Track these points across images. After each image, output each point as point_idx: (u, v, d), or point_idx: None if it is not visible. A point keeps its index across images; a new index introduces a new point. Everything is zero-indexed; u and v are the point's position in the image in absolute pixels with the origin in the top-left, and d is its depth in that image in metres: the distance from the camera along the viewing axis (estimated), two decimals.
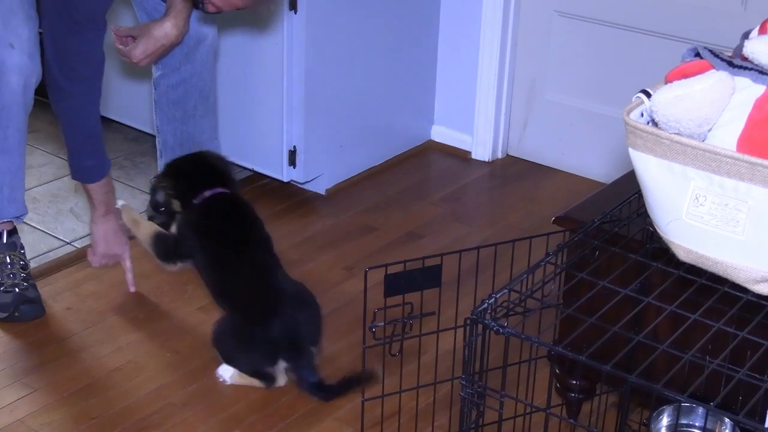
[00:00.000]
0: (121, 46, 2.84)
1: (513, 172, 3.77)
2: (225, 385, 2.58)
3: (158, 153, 3.19)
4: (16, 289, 2.82)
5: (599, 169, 3.61)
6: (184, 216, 2.73)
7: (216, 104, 3.19)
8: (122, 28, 2.87)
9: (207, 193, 2.70)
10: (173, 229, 2.77)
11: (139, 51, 2.81)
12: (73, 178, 2.91)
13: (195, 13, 2.92)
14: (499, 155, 3.86)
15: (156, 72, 3.06)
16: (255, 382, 2.58)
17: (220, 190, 2.71)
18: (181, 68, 3.01)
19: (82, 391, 2.57)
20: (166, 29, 2.81)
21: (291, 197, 3.53)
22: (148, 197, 3.32)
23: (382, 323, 1.99)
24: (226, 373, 2.59)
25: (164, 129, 3.15)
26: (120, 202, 2.95)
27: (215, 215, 2.70)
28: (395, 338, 1.99)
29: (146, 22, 2.89)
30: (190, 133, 3.14)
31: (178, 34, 2.84)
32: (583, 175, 3.67)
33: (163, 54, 2.88)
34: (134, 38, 2.82)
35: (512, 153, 3.87)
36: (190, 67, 3.02)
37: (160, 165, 3.19)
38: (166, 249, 2.77)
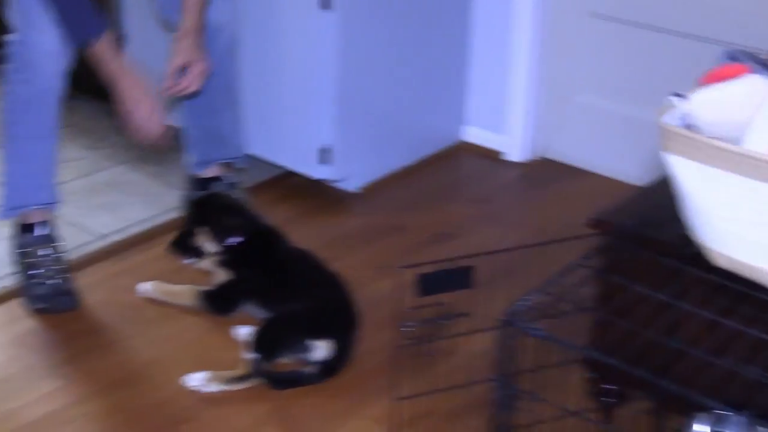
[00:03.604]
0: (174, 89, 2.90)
1: (545, 174, 3.77)
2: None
3: (185, 148, 3.22)
4: (52, 281, 2.85)
5: (633, 172, 3.60)
6: (235, 255, 2.83)
7: (238, 97, 3.22)
8: (166, 85, 2.91)
9: (237, 236, 2.84)
10: (213, 270, 2.86)
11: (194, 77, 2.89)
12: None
13: (213, 3, 2.95)
14: (532, 156, 3.86)
15: None
16: (229, 386, 2.57)
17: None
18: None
19: (116, 383, 2.59)
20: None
21: (323, 196, 3.55)
22: (180, 193, 3.36)
23: (414, 323, 2.00)
24: (195, 380, 2.57)
25: (189, 123, 3.18)
26: (145, 287, 2.93)
27: (266, 243, 2.86)
28: (427, 339, 1.99)
29: (174, 54, 2.92)
30: (214, 126, 3.17)
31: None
32: (617, 178, 3.66)
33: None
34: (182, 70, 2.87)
35: (544, 155, 3.87)
36: (211, 58, 3.05)
37: (187, 160, 3.22)
38: (224, 299, 2.83)
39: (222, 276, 2.84)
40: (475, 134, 3.93)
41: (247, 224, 2.86)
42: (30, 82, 2.77)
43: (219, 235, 2.82)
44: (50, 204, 2.95)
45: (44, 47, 2.73)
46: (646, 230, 1.98)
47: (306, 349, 2.59)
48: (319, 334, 2.59)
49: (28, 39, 2.73)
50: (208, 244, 2.84)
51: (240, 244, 2.82)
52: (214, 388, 2.56)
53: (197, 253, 2.87)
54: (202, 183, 3.25)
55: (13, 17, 2.75)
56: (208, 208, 2.90)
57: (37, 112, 2.81)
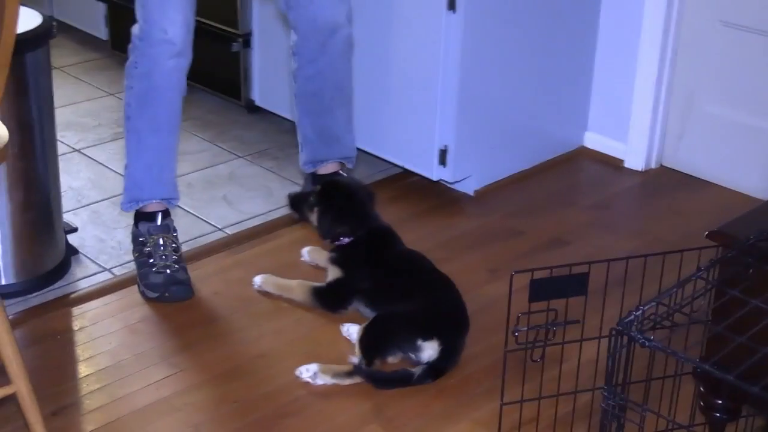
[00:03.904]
0: None
1: (665, 183, 3.70)
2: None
3: (299, 146, 3.24)
4: (168, 271, 2.90)
5: (756, 185, 3.51)
6: (346, 254, 2.84)
7: (351, 96, 3.22)
8: None
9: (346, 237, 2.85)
10: (326, 266, 2.89)
11: None
12: None
13: (329, 3, 2.95)
14: (653, 165, 3.79)
15: (294, 64, 3.12)
16: (337, 380, 2.58)
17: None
18: (317, 60, 3.06)
19: (225, 374, 2.62)
20: None
21: (439, 196, 3.54)
22: (298, 188, 3.39)
23: (525, 328, 1.98)
24: (305, 372, 2.58)
25: (303, 122, 3.21)
26: (258, 279, 2.95)
27: (378, 244, 2.86)
28: (537, 344, 1.97)
29: None
30: (327, 125, 3.19)
31: None
32: (739, 190, 3.57)
33: None
34: None
35: (666, 163, 3.79)
36: (325, 59, 3.06)
37: (301, 158, 3.25)
38: (334, 297, 2.84)
39: (334, 273, 2.85)
40: (595, 140, 3.88)
41: (359, 225, 2.86)
42: (150, 77, 2.82)
43: (329, 230, 2.84)
44: (169, 198, 2.99)
45: (165, 44, 2.77)
46: (767, 245, 1.92)
47: (414, 349, 2.58)
48: (428, 335, 2.58)
49: (150, 33, 2.78)
50: (316, 221, 2.88)
51: (352, 243, 2.83)
52: (322, 381, 2.57)
53: (305, 218, 2.93)
54: (319, 180, 3.27)
55: (139, 10, 2.80)
56: (333, 197, 2.89)
57: (157, 106, 2.86)
